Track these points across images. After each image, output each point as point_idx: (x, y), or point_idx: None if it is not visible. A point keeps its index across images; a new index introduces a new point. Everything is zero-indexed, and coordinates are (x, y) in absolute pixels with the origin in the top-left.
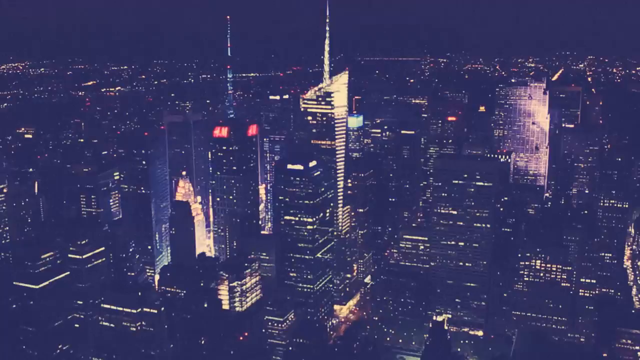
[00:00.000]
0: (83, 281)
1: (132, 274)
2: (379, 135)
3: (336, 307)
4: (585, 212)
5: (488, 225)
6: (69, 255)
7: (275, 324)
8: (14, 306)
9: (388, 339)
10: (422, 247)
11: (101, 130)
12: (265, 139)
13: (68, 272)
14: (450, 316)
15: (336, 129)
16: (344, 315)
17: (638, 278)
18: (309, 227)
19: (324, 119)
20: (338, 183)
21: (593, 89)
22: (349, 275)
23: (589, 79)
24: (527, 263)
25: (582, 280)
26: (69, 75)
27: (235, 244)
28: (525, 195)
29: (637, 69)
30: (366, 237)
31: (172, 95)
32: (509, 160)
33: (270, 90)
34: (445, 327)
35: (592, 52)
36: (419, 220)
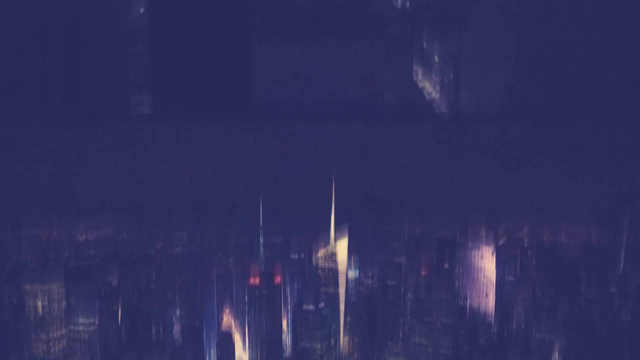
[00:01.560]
0: None
1: None
2: (370, 284)
3: None
4: (522, 341)
5: (450, 351)
6: None
7: None
8: None
9: None
10: None
11: (167, 279)
12: (287, 287)
13: None
14: None
15: (339, 279)
16: None
17: None
18: (317, 352)
19: (330, 272)
20: (340, 319)
21: (528, 252)
22: None
23: (526, 244)
24: None
25: None
26: (143, 239)
27: None
28: (478, 329)
29: (561, 237)
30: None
31: (219, 253)
32: (466, 304)
33: (290, 250)
34: None
35: (528, 224)
36: (399, 347)
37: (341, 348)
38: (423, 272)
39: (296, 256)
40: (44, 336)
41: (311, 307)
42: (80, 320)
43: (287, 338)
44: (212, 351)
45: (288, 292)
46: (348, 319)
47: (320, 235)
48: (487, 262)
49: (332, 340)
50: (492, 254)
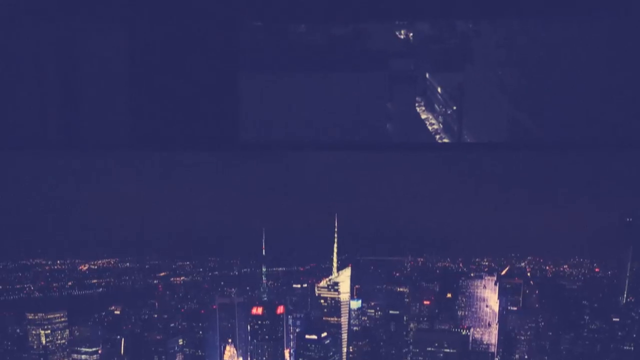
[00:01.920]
0: None
1: None
2: (373, 314)
3: None
4: None
5: None
6: None
7: None
8: None
9: None
10: None
11: (170, 308)
12: (289, 316)
13: None
14: None
15: (341, 309)
16: None
17: None
18: None
19: (333, 302)
20: (342, 349)
21: (531, 281)
22: None
23: (529, 274)
24: None
25: None
26: (146, 268)
27: None
28: (481, 359)
29: (564, 266)
30: None
31: (222, 283)
32: (469, 334)
33: (293, 280)
34: None
35: (531, 254)
36: None
37: None
38: (425, 302)
39: (299, 286)
40: None
41: (314, 337)
42: (83, 349)
43: None
44: None
45: (290, 321)
46: (350, 349)
47: (323, 265)
48: (489, 292)
49: None
50: (495, 283)
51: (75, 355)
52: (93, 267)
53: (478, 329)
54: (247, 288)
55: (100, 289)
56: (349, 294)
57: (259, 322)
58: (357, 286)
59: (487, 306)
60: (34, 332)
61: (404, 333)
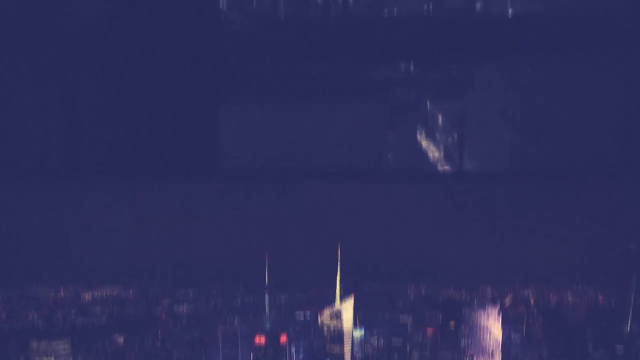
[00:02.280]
0: None
1: None
2: (376, 342)
3: None
4: None
5: None
6: None
7: None
8: None
9: None
10: None
11: (173, 337)
12: (292, 345)
13: None
14: None
15: (344, 338)
16: None
17: None
18: None
19: (335, 330)
20: None
21: (535, 310)
22: None
23: (532, 303)
24: None
25: None
26: (149, 297)
27: None
28: None
29: (568, 295)
30: None
31: (225, 312)
32: None
33: (296, 308)
34: None
35: (534, 282)
36: None
37: None
38: (429, 331)
39: (302, 314)
40: None
41: None
42: None
43: None
44: None
45: (293, 350)
46: None
47: (325, 293)
48: (493, 321)
49: None
50: (498, 313)
51: None
52: (96, 295)
53: (481, 358)
54: (250, 317)
55: (104, 319)
56: (351, 323)
57: (262, 351)
58: (359, 315)
59: (490, 335)
60: None
61: None
